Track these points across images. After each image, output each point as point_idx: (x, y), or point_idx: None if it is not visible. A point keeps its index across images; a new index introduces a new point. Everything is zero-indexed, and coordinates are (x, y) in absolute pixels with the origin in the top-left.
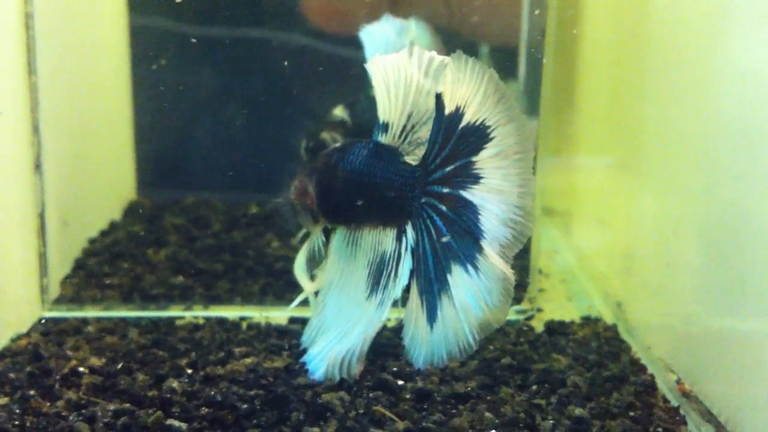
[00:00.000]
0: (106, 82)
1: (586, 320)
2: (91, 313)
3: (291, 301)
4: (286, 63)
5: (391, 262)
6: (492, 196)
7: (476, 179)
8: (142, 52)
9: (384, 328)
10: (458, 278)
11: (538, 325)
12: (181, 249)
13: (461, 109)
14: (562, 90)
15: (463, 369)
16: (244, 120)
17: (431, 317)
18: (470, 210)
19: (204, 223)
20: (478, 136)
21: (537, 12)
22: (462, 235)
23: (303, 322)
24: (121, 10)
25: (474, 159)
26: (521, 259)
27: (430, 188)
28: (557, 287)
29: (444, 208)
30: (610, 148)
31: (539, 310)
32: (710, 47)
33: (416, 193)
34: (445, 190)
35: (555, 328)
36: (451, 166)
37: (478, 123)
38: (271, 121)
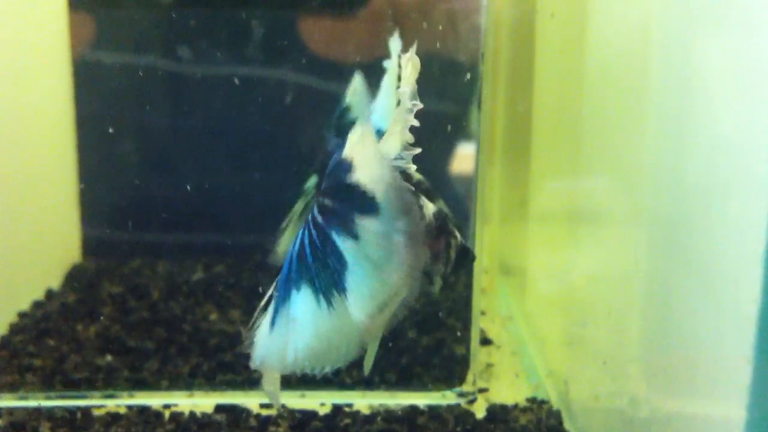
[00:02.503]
0: (46, 135)
1: (532, 403)
2: (6, 402)
3: (221, 383)
4: (253, 114)
5: None
6: (367, 266)
7: (354, 238)
8: (87, 98)
9: (314, 416)
10: (303, 301)
11: (480, 409)
12: (113, 323)
13: (351, 163)
14: (515, 142)
15: None
16: (199, 175)
17: (272, 322)
18: (340, 261)
19: (142, 292)
20: (366, 202)
21: (468, 76)
22: (324, 269)
23: (228, 410)
24: (63, 54)
25: (357, 221)
26: (465, 331)
27: (312, 211)
28: (506, 361)
29: (315, 234)
30: (557, 206)
31: (482, 390)
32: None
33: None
34: (320, 221)
35: (496, 414)
36: (330, 204)
37: (365, 191)
38: (231, 177)
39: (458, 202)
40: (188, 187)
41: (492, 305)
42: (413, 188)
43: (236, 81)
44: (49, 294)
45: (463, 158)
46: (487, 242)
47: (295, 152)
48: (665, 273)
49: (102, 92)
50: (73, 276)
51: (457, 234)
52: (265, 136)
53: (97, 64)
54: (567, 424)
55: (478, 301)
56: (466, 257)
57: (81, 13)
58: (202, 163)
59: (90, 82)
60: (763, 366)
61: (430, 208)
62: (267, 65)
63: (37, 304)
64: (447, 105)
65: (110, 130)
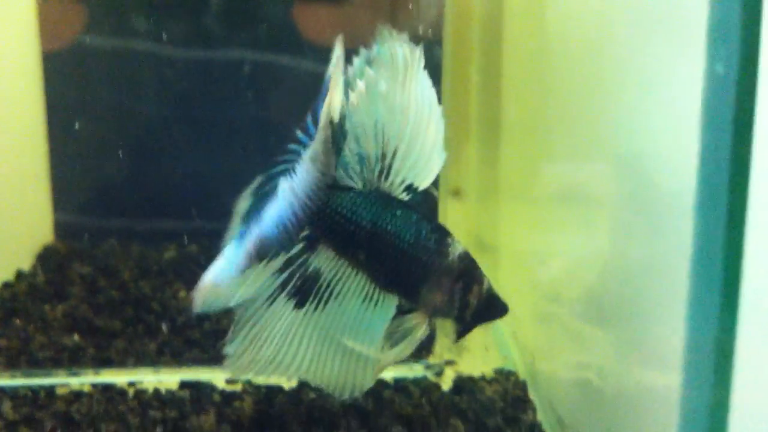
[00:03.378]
0: (16, 119)
1: (499, 374)
2: None
3: (188, 360)
4: (226, 99)
5: None
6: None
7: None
8: (57, 76)
9: (280, 391)
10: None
11: (448, 381)
12: (81, 303)
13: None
14: (489, 122)
15: None
16: (170, 154)
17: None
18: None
19: (113, 272)
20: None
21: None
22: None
23: (193, 386)
24: (32, 33)
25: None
26: None
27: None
28: (477, 336)
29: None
30: (528, 184)
31: (449, 362)
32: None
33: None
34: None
35: (463, 386)
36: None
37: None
38: (201, 154)
39: None
40: (158, 170)
41: None
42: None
43: (205, 64)
44: (19, 275)
45: None
46: (464, 219)
47: (265, 134)
48: (632, 249)
49: (72, 77)
50: (44, 257)
51: (487, 282)
52: (236, 118)
53: (67, 49)
54: (531, 394)
55: None
56: (494, 308)
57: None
58: (172, 147)
59: (60, 67)
60: (694, 336)
61: (457, 248)
62: (236, 47)
63: (6, 285)
64: None
65: (80, 115)
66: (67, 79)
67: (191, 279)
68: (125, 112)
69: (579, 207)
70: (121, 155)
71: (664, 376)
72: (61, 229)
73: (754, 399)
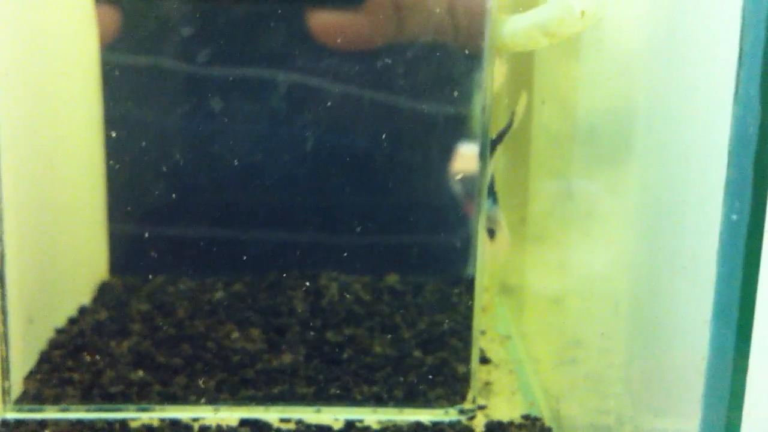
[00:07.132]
0: (74, 154)
1: (526, 420)
2: (50, 414)
3: (245, 399)
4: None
5: None
6: None
7: None
8: (117, 114)
9: (329, 431)
10: None
11: (479, 425)
12: (143, 340)
13: None
14: (516, 165)
15: None
16: (226, 190)
17: None
18: None
19: (169, 310)
20: None
21: (470, 79)
22: None
23: (253, 424)
24: (94, 77)
25: None
26: (466, 351)
27: None
28: (504, 379)
29: None
30: (550, 227)
31: (481, 407)
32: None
33: None
34: None
35: (494, 431)
36: None
37: None
38: (260, 194)
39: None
40: (216, 207)
41: (491, 324)
42: None
43: (283, 84)
44: (82, 311)
45: (467, 159)
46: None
47: (338, 171)
48: (647, 294)
49: (130, 108)
50: (103, 293)
51: None
52: (311, 148)
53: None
54: None
55: (479, 323)
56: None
57: (108, 7)
58: (235, 182)
59: (120, 102)
60: (712, 380)
61: None
62: (317, 66)
63: (72, 320)
64: (449, 105)
65: (141, 153)
66: (129, 118)
67: (242, 320)
68: (187, 147)
69: (596, 253)
70: (173, 194)
71: (679, 423)
72: (116, 265)
73: None
